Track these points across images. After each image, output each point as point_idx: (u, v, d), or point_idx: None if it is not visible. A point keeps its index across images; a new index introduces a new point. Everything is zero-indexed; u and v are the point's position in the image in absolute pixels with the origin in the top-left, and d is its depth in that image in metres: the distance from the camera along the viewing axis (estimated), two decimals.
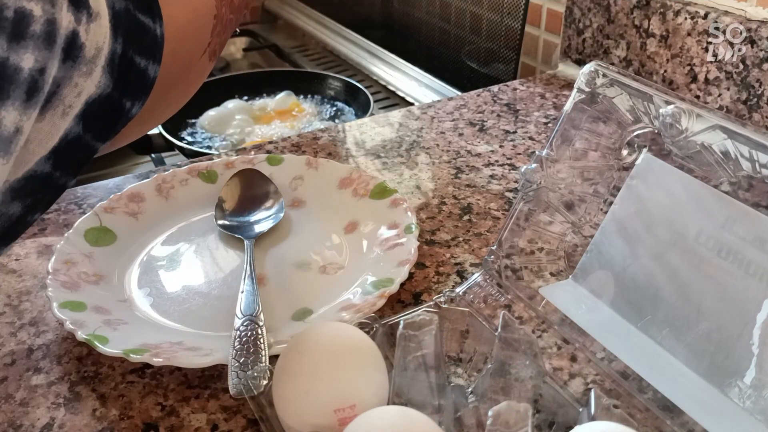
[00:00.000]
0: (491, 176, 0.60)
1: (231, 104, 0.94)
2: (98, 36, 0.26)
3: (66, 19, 0.24)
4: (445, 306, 0.41)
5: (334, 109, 0.96)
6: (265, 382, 0.35)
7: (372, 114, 0.86)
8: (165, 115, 0.37)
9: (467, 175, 0.61)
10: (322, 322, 0.39)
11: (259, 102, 0.96)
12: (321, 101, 0.98)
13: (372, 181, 0.55)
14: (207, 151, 0.83)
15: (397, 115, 0.74)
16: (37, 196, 0.27)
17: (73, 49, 0.25)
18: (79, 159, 0.28)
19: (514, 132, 0.68)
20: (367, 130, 0.70)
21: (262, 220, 0.53)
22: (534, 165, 0.42)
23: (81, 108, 0.26)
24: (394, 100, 1.01)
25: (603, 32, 0.74)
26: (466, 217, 0.54)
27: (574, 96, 0.41)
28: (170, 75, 0.33)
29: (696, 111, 0.35)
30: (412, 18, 1.08)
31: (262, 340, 0.39)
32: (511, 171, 0.61)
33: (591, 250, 0.41)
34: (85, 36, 0.25)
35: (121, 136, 0.31)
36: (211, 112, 0.92)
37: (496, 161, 0.63)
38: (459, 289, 0.43)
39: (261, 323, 0.40)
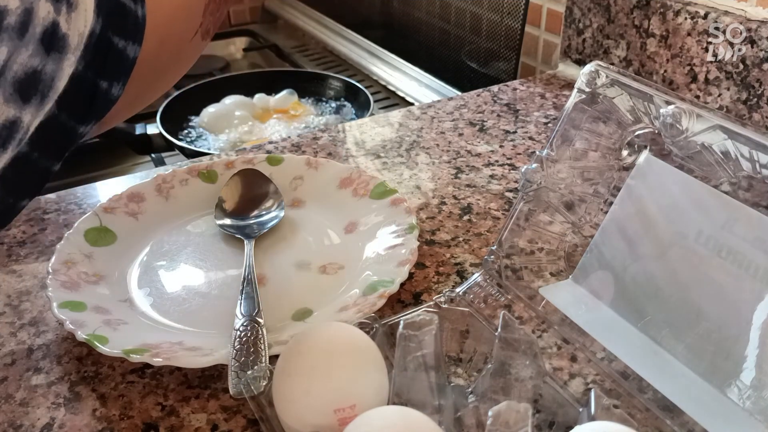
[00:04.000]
0: (491, 176, 0.60)
1: (229, 100, 0.94)
2: (79, 23, 0.26)
3: (44, 9, 0.24)
4: (445, 306, 0.41)
5: (334, 109, 0.96)
6: (265, 382, 0.35)
7: (372, 114, 0.86)
8: (155, 95, 0.37)
9: (467, 175, 0.61)
10: (322, 322, 0.39)
11: (259, 96, 0.96)
12: (321, 101, 0.98)
13: (372, 181, 0.55)
14: (207, 151, 0.83)
15: (397, 115, 0.74)
16: (22, 180, 0.27)
17: (55, 40, 0.25)
18: (57, 140, 0.27)
19: (514, 132, 0.68)
20: (367, 130, 0.70)
21: (262, 220, 0.53)
22: (534, 165, 0.42)
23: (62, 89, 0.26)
24: (394, 100, 1.01)
25: (603, 32, 0.74)
26: (466, 217, 0.54)
27: (574, 96, 0.41)
28: (159, 59, 0.32)
29: (696, 111, 0.35)
30: (412, 18, 1.08)
31: (262, 340, 0.39)
32: (511, 171, 0.61)
33: (591, 250, 0.41)
34: (67, 26, 0.25)
35: (111, 117, 0.31)
36: (211, 109, 0.92)
37: (496, 161, 0.63)
38: (459, 289, 0.43)
39: (261, 323, 0.40)
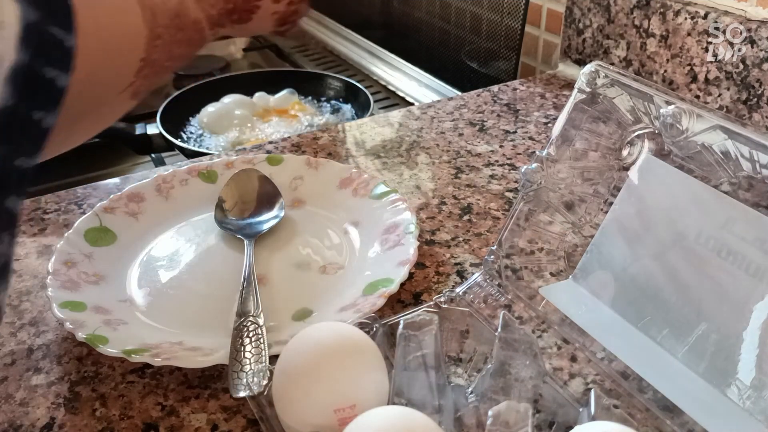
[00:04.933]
0: (491, 176, 0.60)
1: (229, 99, 0.94)
2: (1, 46, 0.25)
3: None
4: (445, 306, 0.41)
5: (335, 109, 0.96)
6: (265, 382, 0.35)
7: (372, 114, 0.86)
8: (71, 142, 0.37)
9: (467, 175, 0.61)
10: (322, 322, 0.39)
11: (259, 95, 0.96)
12: (321, 101, 0.98)
13: (372, 181, 0.55)
14: (207, 151, 0.83)
15: (397, 115, 0.74)
16: None
17: None
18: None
19: (514, 132, 0.68)
20: (367, 130, 0.70)
21: (262, 220, 0.53)
22: (534, 165, 0.42)
23: None
24: (394, 100, 1.01)
25: (603, 32, 0.74)
26: (466, 217, 0.54)
27: (574, 96, 0.41)
28: (80, 104, 0.32)
29: (696, 111, 0.35)
30: (412, 18, 1.08)
31: (262, 340, 0.39)
32: (511, 171, 0.61)
33: (591, 250, 0.41)
34: None
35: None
36: (211, 108, 0.92)
37: (496, 161, 0.63)
38: (459, 289, 0.43)
39: (261, 323, 0.40)
